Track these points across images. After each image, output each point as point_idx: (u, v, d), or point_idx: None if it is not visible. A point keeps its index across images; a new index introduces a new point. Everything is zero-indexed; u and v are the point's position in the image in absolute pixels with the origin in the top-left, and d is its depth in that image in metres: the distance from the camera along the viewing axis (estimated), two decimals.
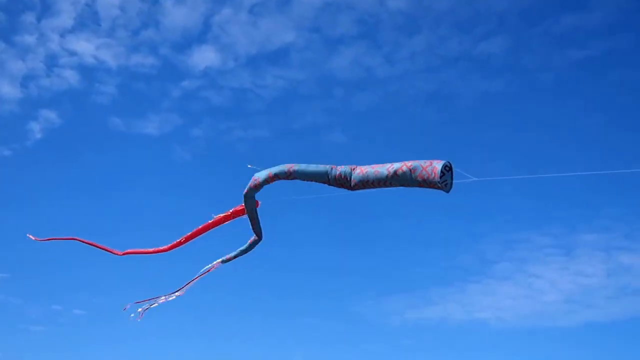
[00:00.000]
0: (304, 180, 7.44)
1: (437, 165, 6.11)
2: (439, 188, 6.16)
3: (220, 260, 9.56)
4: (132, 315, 9.64)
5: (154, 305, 9.83)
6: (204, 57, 27.51)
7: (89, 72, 27.30)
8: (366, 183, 6.82)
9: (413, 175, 6.27)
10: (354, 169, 6.98)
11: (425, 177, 6.17)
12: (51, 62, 27.11)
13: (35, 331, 24.54)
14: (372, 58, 27.78)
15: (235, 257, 9.49)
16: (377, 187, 6.78)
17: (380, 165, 6.70)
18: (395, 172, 6.45)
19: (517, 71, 27.43)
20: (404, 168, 6.35)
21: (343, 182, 7.03)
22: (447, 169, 6.16)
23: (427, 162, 6.20)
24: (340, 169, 7.08)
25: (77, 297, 25.42)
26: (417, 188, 6.42)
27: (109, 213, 27.34)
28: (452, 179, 6.20)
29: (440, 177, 6.08)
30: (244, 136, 28.16)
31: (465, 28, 27.59)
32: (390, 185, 6.61)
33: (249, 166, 8.02)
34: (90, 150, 28.29)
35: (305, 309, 25.31)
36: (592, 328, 23.61)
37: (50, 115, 27.28)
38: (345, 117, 28.64)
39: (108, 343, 24.05)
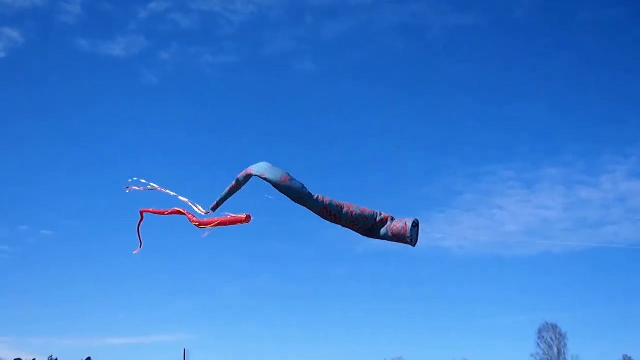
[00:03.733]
0: (288, 195, 7.47)
1: (408, 222, 7.01)
2: (406, 242, 7.04)
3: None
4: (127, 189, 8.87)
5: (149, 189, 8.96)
6: None
7: None
8: (351, 219, 7.34)
9: (388, 225, 7.12)
10: (341, 206, 7.36)
11: (396, 232, 7.06)
12: None
13: (0, 250, 24.83)
14: None
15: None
16: (353, 221, 7.18)
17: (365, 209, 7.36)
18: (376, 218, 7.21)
19: (487, 6, 27.11)
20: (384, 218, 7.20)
21: (331, 216, 7.40)
22: (414, 225, 7.02)
23: (401, 221, 7.09)
24: (328, 202, 7.37)
25: (45, 218, 25.57)
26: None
27: (73, 135, 27.07)
28: (417, 234, 7.10)
29: (410, 232, 6.99)
30: (213, 61, 27.65)
31: None
32: (364, 224, 7.18)
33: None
34: (55, 70, 27.53)
35: (273, 234, 26.10)
36: (549, 258, 25.11)
37: (13, 34, 26.32)
38: (315, 45, 28.26)
39: (76, 263, 24.55)
